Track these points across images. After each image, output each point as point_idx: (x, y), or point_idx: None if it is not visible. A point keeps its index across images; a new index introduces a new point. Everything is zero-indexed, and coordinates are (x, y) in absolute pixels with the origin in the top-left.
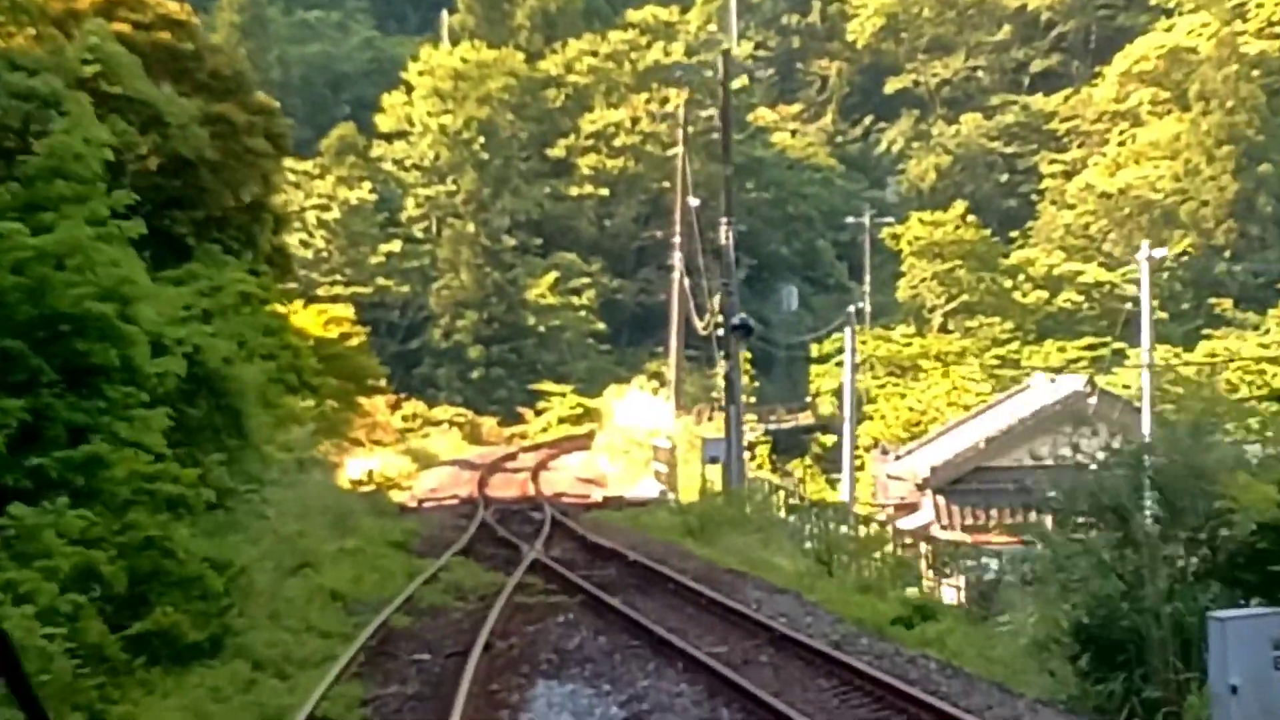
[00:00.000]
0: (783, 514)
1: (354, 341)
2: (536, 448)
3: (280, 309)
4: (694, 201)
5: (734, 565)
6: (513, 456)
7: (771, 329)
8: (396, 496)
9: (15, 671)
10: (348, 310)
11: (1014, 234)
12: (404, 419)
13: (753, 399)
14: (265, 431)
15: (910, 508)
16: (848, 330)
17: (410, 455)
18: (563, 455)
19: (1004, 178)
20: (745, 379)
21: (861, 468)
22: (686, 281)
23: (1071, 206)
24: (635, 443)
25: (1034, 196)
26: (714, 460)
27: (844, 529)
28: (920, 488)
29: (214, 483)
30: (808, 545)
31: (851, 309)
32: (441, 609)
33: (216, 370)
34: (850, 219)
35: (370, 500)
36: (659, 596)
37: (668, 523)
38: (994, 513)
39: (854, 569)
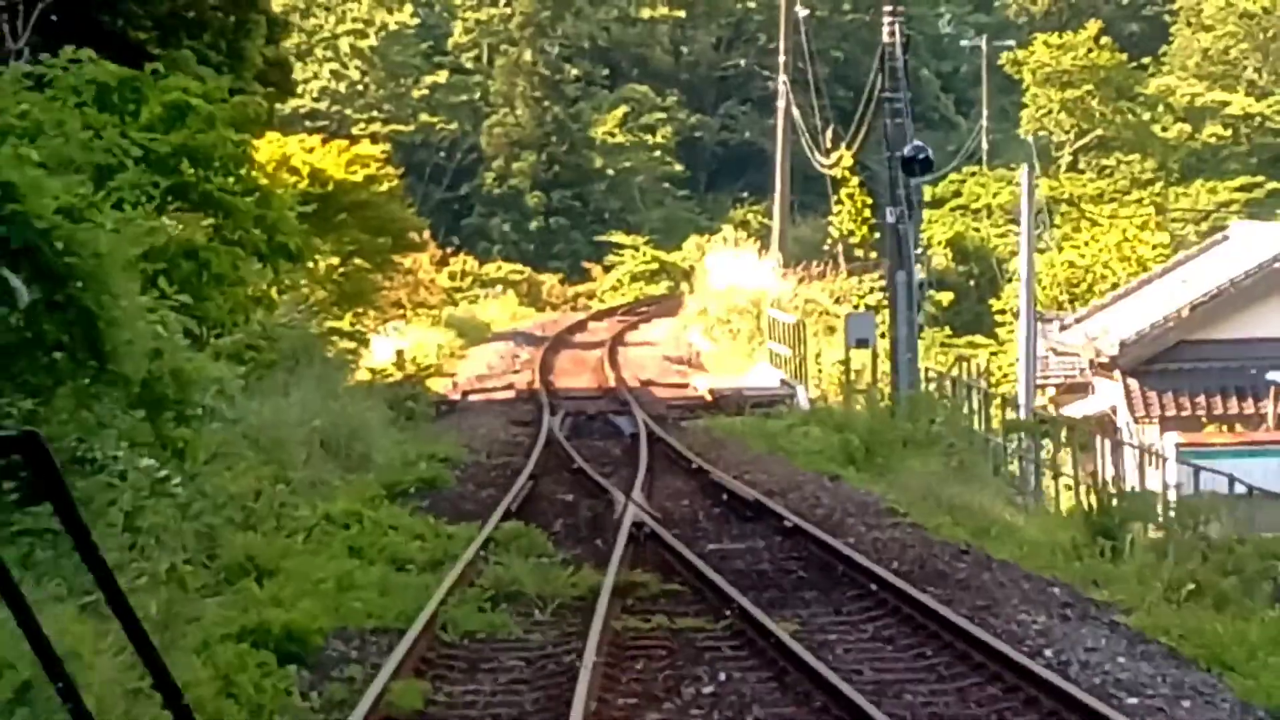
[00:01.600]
0: (983, 427)
1: (384, 186)
2: (609, 313)
3: (257, 141)
4: (802, 10)
5: (950, 532)
6: (581, 326)
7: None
8: (437, 386)
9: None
10: (375, 149)
11: (1144, 61)
12: (451, 278)
13: (862, 251)
14: (167, 344)
15: (1079, 390)
16: (1024, 168)
17: (456, 328)
18: (642, 325)
19: None
20: (858, 230)
21: (998, 341)
22: (795, 112)
23: (1209, 28)
24: (737, 310)
25: (1166, 18)
26: (861, 344)
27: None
28: (1104, 367)
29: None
30: (1014, 470)
31: (979, 143)
32: (480, 658)
33: (46, 232)
34: (964, 42)
35: (396, 398)
36: (857, 616)
37: (815, 441)
38: (1205, 399)
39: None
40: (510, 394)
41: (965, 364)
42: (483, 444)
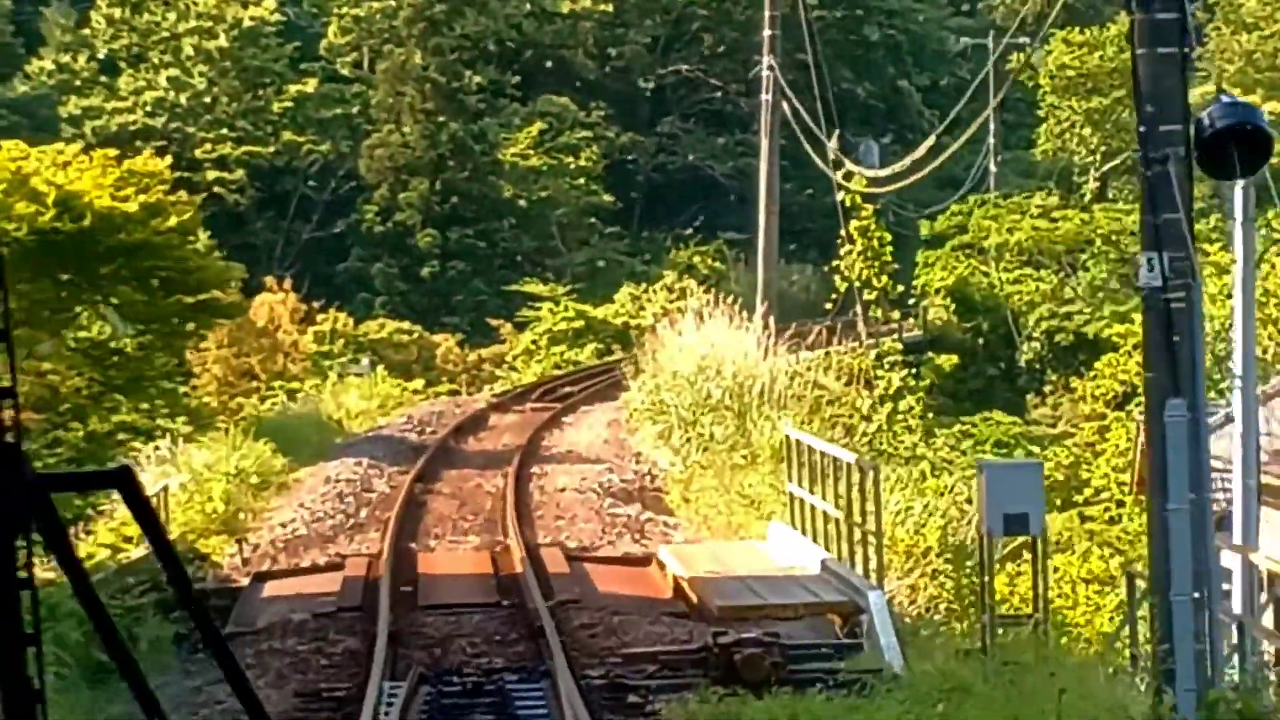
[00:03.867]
0: None
1: (173, 220)
2: (524, 394)
3: None
4: None
5: None
6: (481, 420)
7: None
8: (225, 553)
9: None
10: (159, 164)
11: None
12: (319, 340)
13: (880, 311)
14: None
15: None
16: (1238, 190)
17: (284, 434)
18: (568, 418)
19: None
20: (876, 279)
21: (1022, 414)
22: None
23: (1253, 28)
24: (712, 408)
25: (1197, 16)
26: (1016, 528)
27: None
28: None
29: None
30: None
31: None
32: None
33: None
34: (964, 40)
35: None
36: None
37: None
38: None
39: None
40: (333, 588)
41: None
42: None
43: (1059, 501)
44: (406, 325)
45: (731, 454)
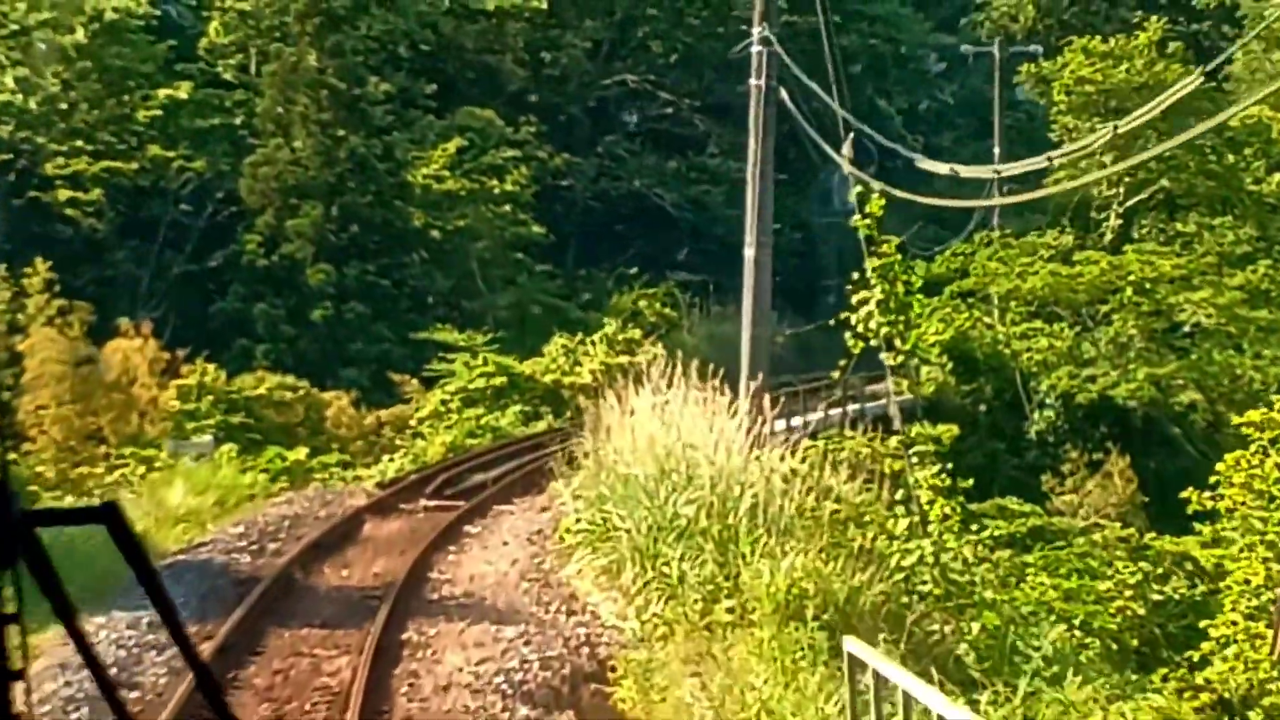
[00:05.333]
0: None
1: None
2: (422, 482)
3: None
4: None
5: None
6: (353, 526)
7: (815, 237)
8: None
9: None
10: None
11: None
12: (184, 396)
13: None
14: None
15: None
16: None
17: None
18: (477, 523)
19: None
20: (904, 333)
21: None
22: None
23: None
24: (693, 548)
25: (1224, 29)
26: None
27: None
28: None
29: None
30: None
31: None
32: None
33: None
34: (965, 47)
35: None
36: None
37: None
38: None
39: None
40: None
41: None
42: None
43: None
44: (290, 380)
45: (712, 607)
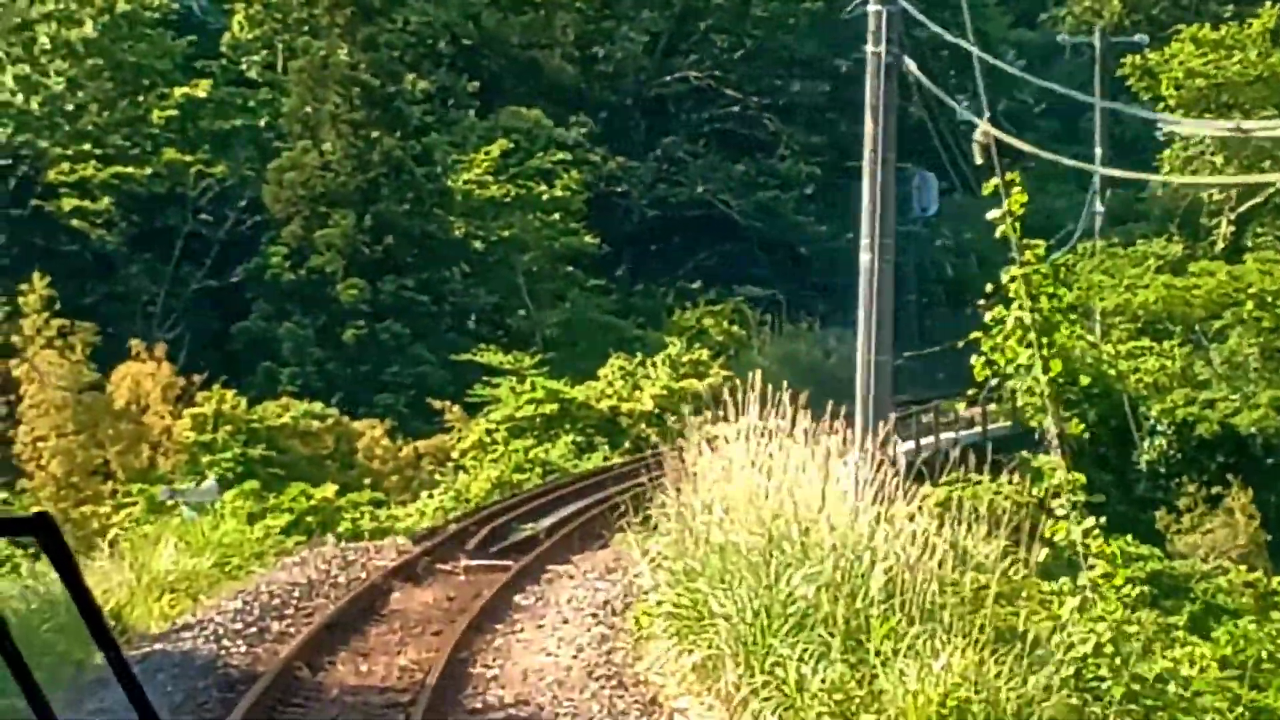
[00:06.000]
0: None
1: None
2: (458, 537)
3: None
4: None
5: None
6: (374, 600)
7: (905, 234)
8: None
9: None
10: None
11: None
12: (198, 426)
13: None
14: None
15: None
16: None
17: None
18: (526, 596)
19: None
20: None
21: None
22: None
23: None
24: (819, 627)
25: None
26: None
27: None
28: None
29: None
30: None
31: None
32: None
33: None
34: (1063, 37)
35: None
36: None
37: None
38: None
39: None
40: None
41: None
42: None
43: None
44: (319, 407)
45: None
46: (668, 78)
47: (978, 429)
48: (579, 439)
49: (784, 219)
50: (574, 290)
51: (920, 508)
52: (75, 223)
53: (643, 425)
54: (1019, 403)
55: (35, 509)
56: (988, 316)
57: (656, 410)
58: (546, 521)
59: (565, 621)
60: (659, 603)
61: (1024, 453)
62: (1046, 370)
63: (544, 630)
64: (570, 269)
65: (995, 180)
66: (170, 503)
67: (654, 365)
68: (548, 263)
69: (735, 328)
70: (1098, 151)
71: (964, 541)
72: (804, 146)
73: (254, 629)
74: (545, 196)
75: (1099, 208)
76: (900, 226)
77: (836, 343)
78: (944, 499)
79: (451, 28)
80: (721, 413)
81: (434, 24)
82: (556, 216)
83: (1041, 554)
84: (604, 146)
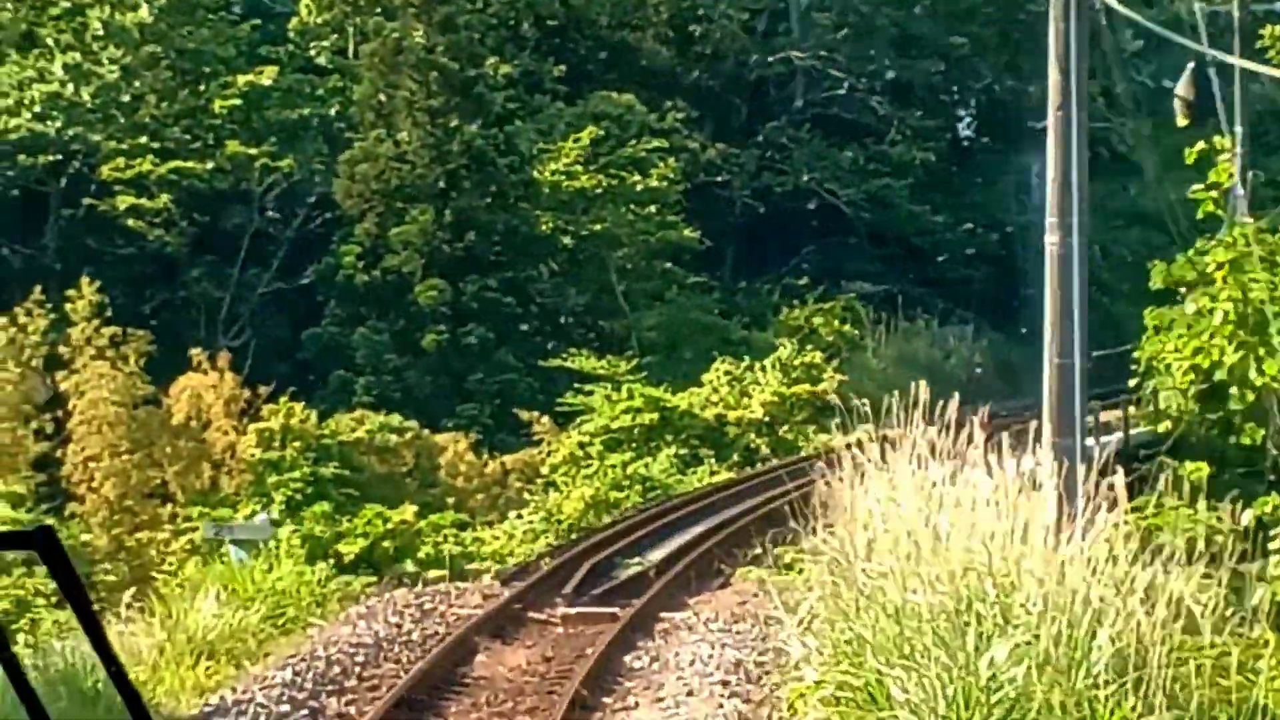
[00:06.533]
0: None
1: None
2: (555, 576)
3: None
4: None
5: None
6: (455, 662)
7: (1013, 239)
8: None
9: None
10: None
11: None
12: (265, 441)
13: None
14: None
15: None
16: None
17: None
18: (638, 655)
19: None
20: None
21: None
22: None
23: None
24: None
25: None
26: None
27: None
28: None
29: None
30: None
31: None
32: None
33: None
34: (1201, 4)
35: None
36: None
37: None
38: None
39: None
40: None
41: None
42: None
43: None
44: (397, 420)
45: None
46: (769, 58)
47: (1117, 434)
48: (682, 451)
49: (896, 209)
50: (672, 288)
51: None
52: (131, 223)
53: (752, 435)
54: (1163, 405)
55: (85, 536)
56: (1189, 307)
57: (766, 419)
58: (655, 554)
59: (690, 693)
60: (817, 683)
61: (1165, 459)
62: (1261, 371)
63: (664, 705)
64: (668, 265)
65: (1201, 144)
66: (216, 539)
67: (763, 369)
68: (643, 259)
69: (847, 327)
70: (1239, 130)
71: (1172, 585)
72: (916, 131)
73: (305, 710)
74: (640, 187)
75: (1240, 191)
76: (1023, 216)
77: (955, 341)
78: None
79: (535, 8)
80: (859, 424)
81: (516, 4)
82: (652, 209)
83: (1259, 595)
84: (702, 133)
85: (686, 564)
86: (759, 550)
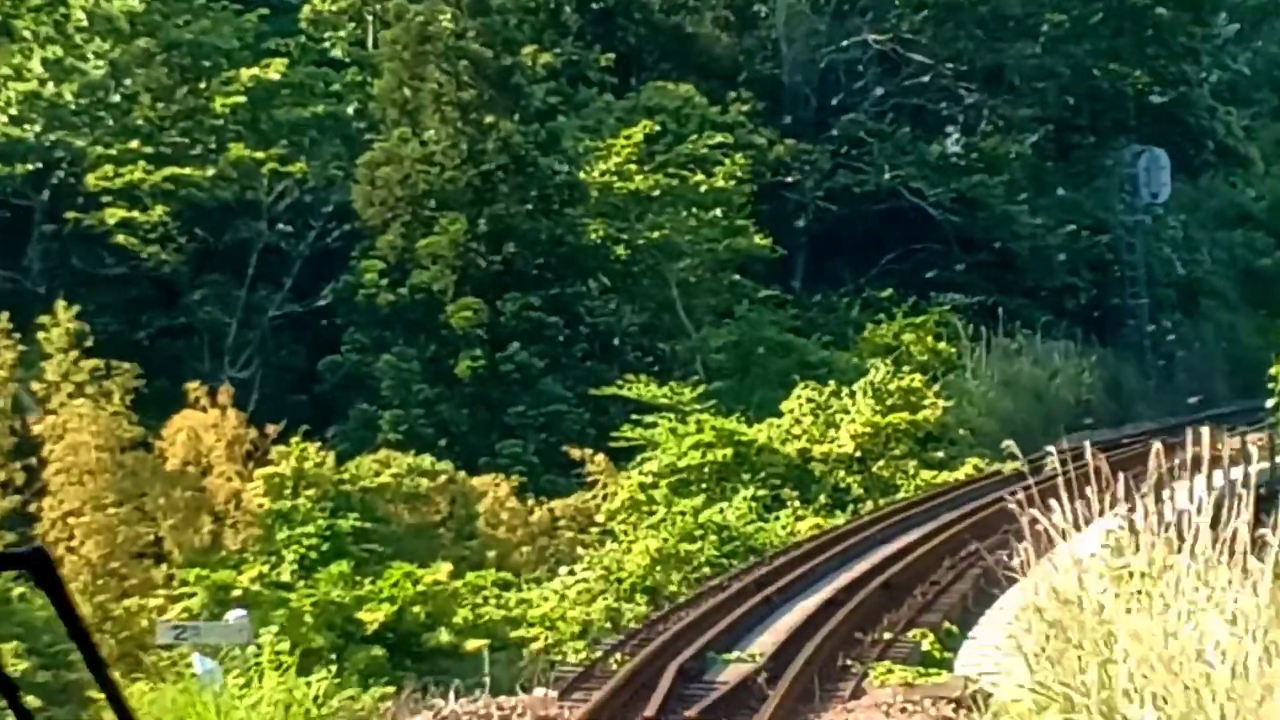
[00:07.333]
0: None
1: None
2: (639, 673)
3: None
4: None
5: None
6: None
7: (1117, 242)
8: None
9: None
10: None
11: None
12: (273, 489)
13: None
14: None
15: None
16: None
17: None
18: None
19: None
20: None
21: None
22: None
23: None
24: None
25: None
26: None
27: None
28: None
29: None
30: None
31: None
32: None
33: None
34: None
35: None
36: None
37: None
38: None
39: None
40: None
41: None
42: None
43: None
44: (428, 461)
45: None
46: (843, 42)
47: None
48: (763, 492)
49: (989, 210)
50: (742, 303)
51: None
52: (123, 239)
53: (841, 473)
54: None
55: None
56: None
57: (858, 453)
58: (757, 645)
59: None
60: None
61: None
62: None
63: None
64: (736, 278)
65: None
66: (175, 646)
67: (852, 395)
68: (708, 271)
69: (943, 344)
70: None
71: None
72: (1010, 121)
73: None
74: (703, 188)
75: None
76: (1125, 215)
77: (1060, 359)
78: None
79: None
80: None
81: None
82: (717, 213)
83: None
84: (768, 128)
85: (803, 660)
86: (886, 635)
